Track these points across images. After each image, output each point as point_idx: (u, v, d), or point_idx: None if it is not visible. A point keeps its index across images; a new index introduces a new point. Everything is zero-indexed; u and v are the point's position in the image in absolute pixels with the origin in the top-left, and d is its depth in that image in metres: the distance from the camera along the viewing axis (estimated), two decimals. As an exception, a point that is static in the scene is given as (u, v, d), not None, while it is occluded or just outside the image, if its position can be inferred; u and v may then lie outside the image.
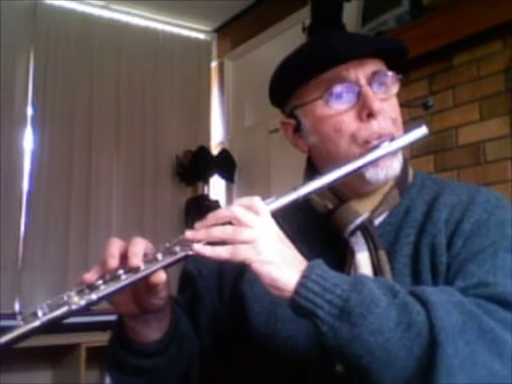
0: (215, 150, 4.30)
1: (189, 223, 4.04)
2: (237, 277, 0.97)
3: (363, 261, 0.91)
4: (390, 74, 0.94)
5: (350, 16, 3.01)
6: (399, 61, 0.98)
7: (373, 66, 0.93)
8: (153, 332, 0.87)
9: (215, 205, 4.09)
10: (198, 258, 0.82)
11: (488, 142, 2.49)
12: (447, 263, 0.87)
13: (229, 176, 4.18)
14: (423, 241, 0.90)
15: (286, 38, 3.71)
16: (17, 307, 3.58)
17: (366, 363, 0.69)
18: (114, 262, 0.77)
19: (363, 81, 0.91)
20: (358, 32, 2.97)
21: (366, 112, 0.89)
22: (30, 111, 3.77)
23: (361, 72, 0.91)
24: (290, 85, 0.96)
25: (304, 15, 3.29)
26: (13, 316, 3.40)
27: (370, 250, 0.91)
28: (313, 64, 0.92)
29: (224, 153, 4.19)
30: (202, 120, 4.38)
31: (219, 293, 1.00)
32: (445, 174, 2.61)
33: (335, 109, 0.91)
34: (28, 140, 3.75)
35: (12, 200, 3.62)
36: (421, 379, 0.68)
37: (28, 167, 3.72)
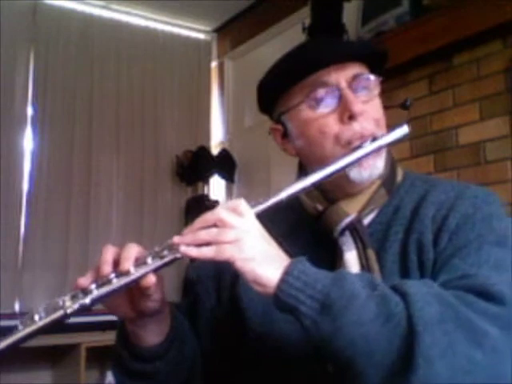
0: (215, 150, 4.30)
1: (189, 223, 4.03)
2: (233, 280, 0.99)
3: (352, 260, 0.93)
4: (371, 77, 0.97)
5: (350, 16, 3.01)
6: (380, 64, 1.00)
7: (353, 69, 0.95)
8: (153, 336, 0.89)
9: (215, 205, 4.08)
10: (198, 265, 0.82)
11: (488, 142, 2.49)
12: (434, 259, 0.88)
13: (229, 176, 4.18)
14: (411, 238, 0.92)
15: (285, 38, 3.71)
16: (17, 307, 3.57)
17: (349, 355, 0.71)
18: (107, 268, 0.79)
19: (344, 84, 0.93)
20: (358, 31, 2.97)
21: (347, 114, 0.92)
22: (30, 111, 3.77)
23: (341, 76, 0.94)
24: (275, 92, 0.99)
25: (304, 15, 3.28)
26: (13, 316, 3.40)
27: (358, 249, 0.93)
28: (294, 70, 0.95)
29: (224, 153, 4.19)
30: (202, 120, 4.38)
31: (217, 296, 1.02)
32: (445, 173, 2.61)
33: (319, 112, 0.94)
34: (28, 140, 3.75)
35: (12, 200, 3.62)
36: (401, 369, 0.69)
37: (28, 167, 3.72)
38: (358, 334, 0.70)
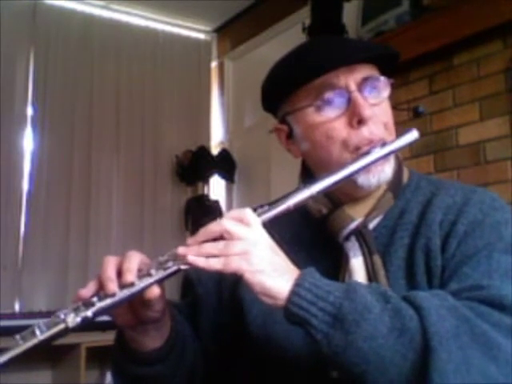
0: (215, 150, 4.29)
1: (189, 223, 4.04)
2: (235, 281, 0.97)
3: (357, 266, 0.91)
4: (381, 78, 0.93)
5: (350, 16, 3.01)
6: (390, 65, 0.97)
7: (363, 71, 0.91)
8: (153, 341, 0.88)
9: (215, 205, 4.09)
10: None
11: (488, 142, 2.49)
12: (442, 265, 0.86)
13: (229, 176, 4.18)
14: (418, 243, 0.90)
15: (286, 38, 3.71)
16: (17, 307, 3.57)
17: (362, 370, 0.70)
18: (112, 285, 0.77)
19: (353, 87, 0.90)
20: (358, 31, 2.97)
21: (356, 119, 0.89)
22: (30, 111, 3.76)
23: (351, 78, 0.90)
24: (281, 92, 0.95)
25: (304, 15, 3.28)
26: (13, 316, 3.40)
27: (364, 255, 0.91)
28: (302, 72, 0.91)
29: (224, 153, 4.19)
30: (202, 120, 4.38)
31: (218, 298, 1.00)
32: (445, 174, 2.61)
33: (326, 116, 0.90)
34: (28, 140, 3.75)
35: (12, 200, 3.62)
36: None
37: (28, 167, 3.72)
38: (370, 348, 0.69)
